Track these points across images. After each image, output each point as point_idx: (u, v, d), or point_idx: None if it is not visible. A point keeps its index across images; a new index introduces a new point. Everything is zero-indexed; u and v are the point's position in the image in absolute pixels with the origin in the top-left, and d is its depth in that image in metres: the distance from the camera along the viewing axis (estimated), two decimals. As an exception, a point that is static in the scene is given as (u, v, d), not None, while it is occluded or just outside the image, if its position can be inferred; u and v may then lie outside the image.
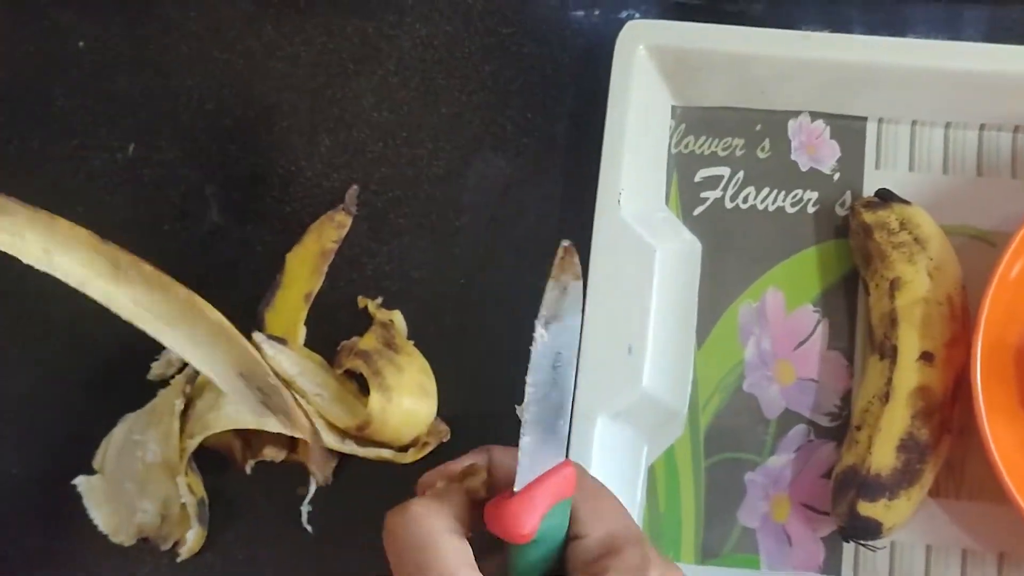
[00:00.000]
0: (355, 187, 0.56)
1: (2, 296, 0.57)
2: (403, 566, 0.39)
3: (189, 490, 0.51)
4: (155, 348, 0.52)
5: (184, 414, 0.52)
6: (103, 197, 0.58)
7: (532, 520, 0.39)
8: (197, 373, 0.52)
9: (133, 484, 0.52)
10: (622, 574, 0.39)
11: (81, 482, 0.53)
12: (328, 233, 0.56)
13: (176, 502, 0.52)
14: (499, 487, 0.41)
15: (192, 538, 0.52)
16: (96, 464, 0.54)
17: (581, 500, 0.41)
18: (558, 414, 0.40)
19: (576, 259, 0.38)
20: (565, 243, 0.38)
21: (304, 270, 0.56)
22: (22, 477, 0.55)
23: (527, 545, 0.39)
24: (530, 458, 0.39)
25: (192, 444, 0.51)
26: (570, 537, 0.41)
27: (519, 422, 0.53)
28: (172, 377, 0.54)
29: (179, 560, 0.53)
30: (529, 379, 0.38)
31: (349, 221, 0.56)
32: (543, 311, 0.38)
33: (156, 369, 0.55)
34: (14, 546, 0.55)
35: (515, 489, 0.39)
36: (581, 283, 0.38)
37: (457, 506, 0.41)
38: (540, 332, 0.38)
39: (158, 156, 0.58)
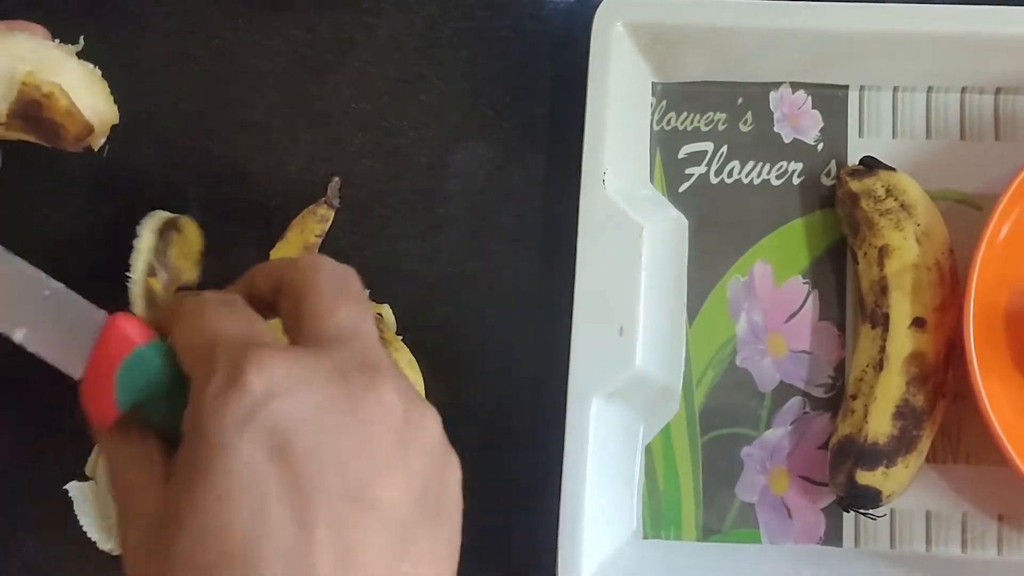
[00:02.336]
0: (337, 179, 0.56)
1: None
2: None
3: None
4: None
5: None
6: (78, 201, 0.57)
7: (97, 405, 0.35)
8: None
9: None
10: (206, 418, 0.32)
11: (73, 488, 0.52)
12: (311, 227, 0.55)
13: None
14: None
15: None
16: (88, 471, 0.53)
17: (175, 338, 0.35)
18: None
19: None
20: None
21: (289, 266, 0.55)
22: (13, 481, 0.55)
23: (138, 412, 0.35)
24: (64, 341, 0.35)
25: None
26: None
27: (512, 413, 0.53)
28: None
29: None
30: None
31: (332, 214, 0.55)
32: None
33: None
34: (4, 552, 0.54)
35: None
36: None
37: None
38: None
39: (135, 157, 0.57)
